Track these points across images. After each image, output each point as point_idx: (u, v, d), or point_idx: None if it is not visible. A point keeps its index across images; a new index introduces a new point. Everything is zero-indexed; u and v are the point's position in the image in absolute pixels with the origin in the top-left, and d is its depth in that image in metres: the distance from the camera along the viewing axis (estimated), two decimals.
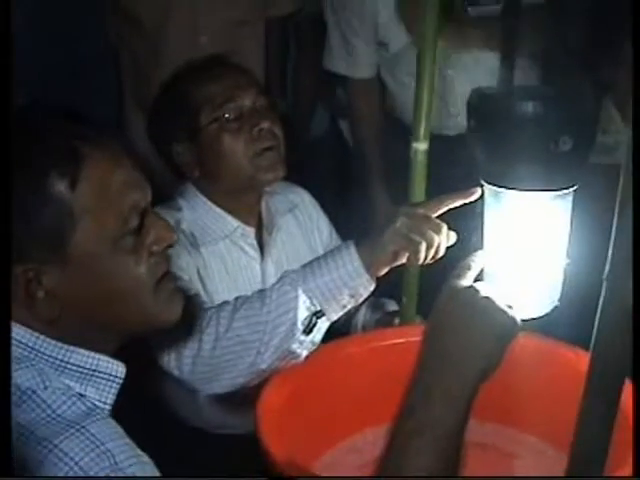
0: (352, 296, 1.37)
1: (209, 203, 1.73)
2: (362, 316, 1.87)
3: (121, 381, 1.12)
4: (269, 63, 2.42)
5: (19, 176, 1.00)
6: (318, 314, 1.36)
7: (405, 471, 0.89)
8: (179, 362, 1.39)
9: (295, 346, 1.36)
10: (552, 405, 1.37)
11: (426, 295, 1.45)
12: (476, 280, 1.08)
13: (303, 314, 1.35)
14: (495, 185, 1.11)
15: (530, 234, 1.13)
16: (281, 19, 2.49)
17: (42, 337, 1.06)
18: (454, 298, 1.02)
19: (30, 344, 1.05)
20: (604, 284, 0.81)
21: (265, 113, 1.70)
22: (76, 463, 0.95)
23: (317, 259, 1.39)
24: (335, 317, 1.39)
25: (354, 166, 2.55)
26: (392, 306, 1.82)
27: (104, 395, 1.09)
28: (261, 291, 1.41)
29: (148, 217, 1.11)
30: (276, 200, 1.85)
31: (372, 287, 1.37)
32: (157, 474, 1.02)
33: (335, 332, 1.79)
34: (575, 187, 1.10)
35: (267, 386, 1.35)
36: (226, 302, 1.44)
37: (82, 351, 1.08)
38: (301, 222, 1.89)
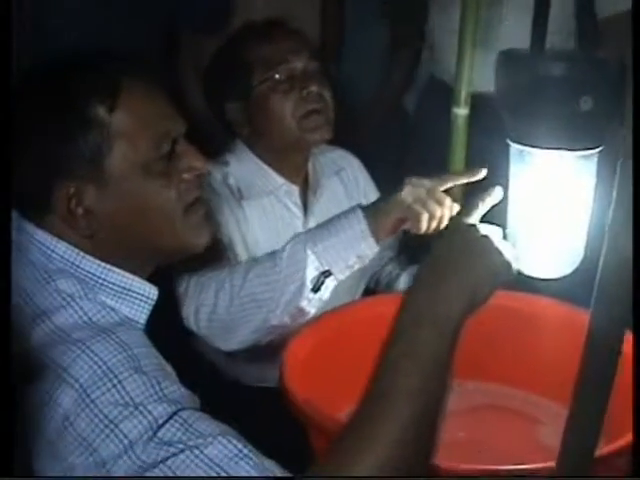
0: (359, 257, 1.41)
1: (256, 159, 1.79)
2: (402, 282, 1.91)
3: (153, 302, 1.21)
4: (325, 29, 2.44)
5: (64, 102, 1.13)
6: (326, 273, 1.41)
7: (394, 391, 0.90)
8: (197, 319, 1.46)
9: (304, 303, 1.42)
10: (575, 372, 1.38)
11: None
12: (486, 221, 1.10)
13: (312, 273, 1.41)
14: (519, 143, 1.13)
15: (553, 193, 1.15)
16: None
17: (82, 254, 1.15)
18: (456, 233, 1.05)
19: (71, 259, 1.15)
20: (605, 236, 0.83)
21: (315, 77, 1.74)
22: (104, 363, 1.04)
23: (326, 221, 1.44)
24: (342, 277, 1.43)
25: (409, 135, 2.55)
26: None
27: (137, 314, 1.18)
28: (272, 252, 1.47)
29: (181, 146, 1.21)
30: (324, 162, 1.89)
31: (377, 249, 1.42)
32: (178, 382, 1.10)
33: None
34: (600, 148, 1.11)
35: (295, 336, 1.39)
36: (239, 263, 1.50)
37: (118, 270, 1.17)
38: (347, 185, 1.93)
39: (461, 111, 1.54)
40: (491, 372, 1.49)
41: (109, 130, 1.13)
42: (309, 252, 1.39)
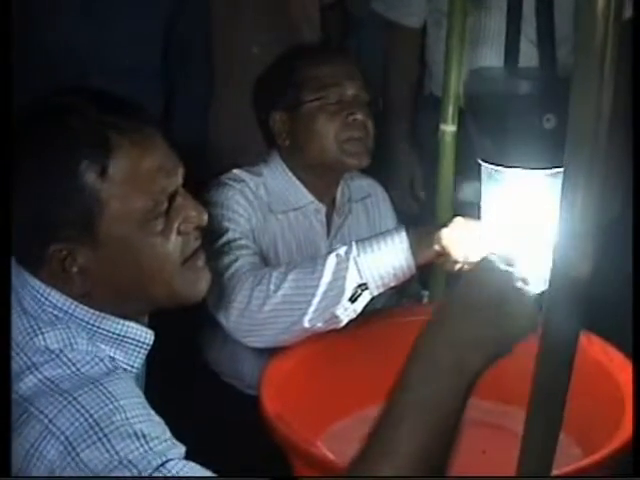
0: (395, 275, 1.44)
1: (290, 174, 1.82)
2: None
3: (148, 347, 1.20)
4: None
5: (54, 163, 1.10)
6: (363, 286, 1.44)
7: (397, 444, 0.86)
8: (227, 312, 1.49)
9: (340, 311, 1.44)
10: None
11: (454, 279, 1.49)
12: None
13: (352, 284, 1.43)
14: (488, 162, 1.14)
15: (523, 211, 1.15)
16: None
17: (76, 303, 1.14)
18: (491, 276, 0.97)
19: (65, 308, 1.14)
20: (553, 255, 0.84)
21: (363, 106, 1.77)
22: (90, 415, 1.04)
23: (370, 237, 1.48)
24: (376, 292, 1.45)
25: None
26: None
27: (132, 359, 1.17)
28: (313, 258, 1.51)
29: (178, 199, 1.17)
30: (352, 187, 1.93)
31: (413, 271, 1.45)
32: (168, 433, 1.08)
33: None
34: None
35: (279, 351, 1.41)
36: (279, 264, 1.56)
37: (112, 318, 1.16)
38: (370, 212, 1.96)
39: (449, 128, 1.55)
40: None
41: (100, 195, 1.10)
42: (352, 263, 1.43)
